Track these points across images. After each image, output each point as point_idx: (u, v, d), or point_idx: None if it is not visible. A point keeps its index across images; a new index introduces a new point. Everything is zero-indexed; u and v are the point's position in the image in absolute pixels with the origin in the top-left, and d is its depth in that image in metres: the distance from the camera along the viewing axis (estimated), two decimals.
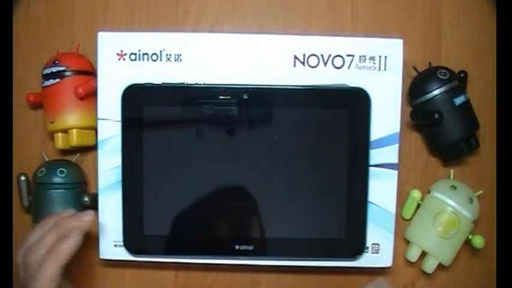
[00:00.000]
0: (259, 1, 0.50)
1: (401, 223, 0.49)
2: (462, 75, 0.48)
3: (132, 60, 0.46)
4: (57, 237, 0.40)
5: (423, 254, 0.47)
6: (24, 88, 0.49)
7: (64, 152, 0.50)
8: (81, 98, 0.46)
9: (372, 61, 0.46)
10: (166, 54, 0.46)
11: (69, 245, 0.39)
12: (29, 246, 0.40)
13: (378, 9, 0.50)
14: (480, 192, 0.47)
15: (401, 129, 0.46)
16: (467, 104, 0.46)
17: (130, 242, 0.43)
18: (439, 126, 0.46)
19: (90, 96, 0.46)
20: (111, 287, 0.43)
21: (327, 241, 0.45)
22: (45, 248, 0.39)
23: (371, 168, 0.46)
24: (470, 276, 0.50)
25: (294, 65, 0.46)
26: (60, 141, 0.47)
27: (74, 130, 0.47)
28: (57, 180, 0.47)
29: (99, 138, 0.46)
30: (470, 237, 0.47)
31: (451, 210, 0.46)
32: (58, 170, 0.47)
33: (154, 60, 0.46)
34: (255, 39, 0.46)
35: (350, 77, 0.46)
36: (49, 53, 0.49)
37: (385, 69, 0.46)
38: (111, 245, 0.46)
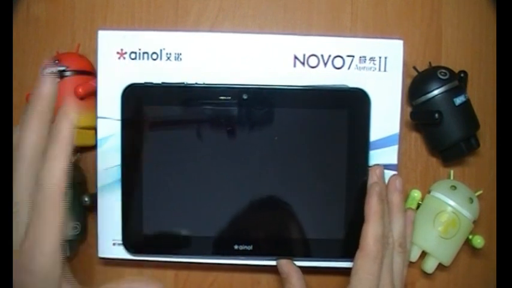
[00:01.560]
0: (259, 1, 0.50)
1: None
2: (462, 75, 0.48)
3: (132, 59, 0.46)
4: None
5: (423, 254, 0.47)
6: (24, 88, 0.49)
7: None
8: (81, 98, 0.46)
9: (372, 62, 0.46)
10: (167, 53, 0.46)
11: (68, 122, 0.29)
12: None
13: (378, 9, 0.50)
14: (480, 192, 0.47)
15: (401, 129, 0.46)
16: (467, 104, 0.46)
17: (129, 240, 0.43)
18: (439, 126, 0.46)
19: (90, 96, 0.46)
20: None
21: (326, 241, 0.45)
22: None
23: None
24: (470, 276, 0.50)
25: (294, 65, 0.46)
26: None
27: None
28: None
29: (99, 136, 0.46)
30: (470, 237, 0.47)
31: (451, 210, 0.46)
32: None
33: (154, 59, 0.46)
34: (255, 39, 0.46)
35: (350, 78, 0.46)
36: (49, 53, 0.49)
37: (385, 70, 0.46)
38: (110, 243, 0.46)
